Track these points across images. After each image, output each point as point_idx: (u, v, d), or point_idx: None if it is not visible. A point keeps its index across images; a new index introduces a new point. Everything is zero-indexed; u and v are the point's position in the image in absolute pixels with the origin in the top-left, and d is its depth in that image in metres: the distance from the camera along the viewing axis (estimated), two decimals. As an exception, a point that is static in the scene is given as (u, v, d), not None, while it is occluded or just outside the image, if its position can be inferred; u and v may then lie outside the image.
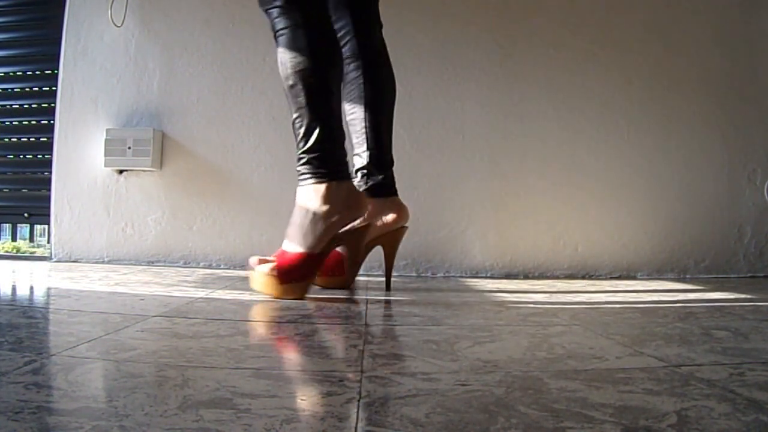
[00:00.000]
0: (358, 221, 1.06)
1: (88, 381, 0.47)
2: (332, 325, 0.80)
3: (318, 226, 1.00)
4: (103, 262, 1.67)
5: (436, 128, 1.65)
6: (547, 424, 0.38)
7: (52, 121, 1.76)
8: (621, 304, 1.07)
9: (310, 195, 1.02)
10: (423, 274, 1.61)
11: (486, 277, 1.58)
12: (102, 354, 0.56)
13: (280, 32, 1.04)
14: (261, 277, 1.01)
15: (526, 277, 1.61)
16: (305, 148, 1.03)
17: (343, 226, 1.02)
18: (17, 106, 1.88)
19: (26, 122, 1.88)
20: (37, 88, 1.87)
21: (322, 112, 1.03)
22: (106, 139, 1.65)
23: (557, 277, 1.61)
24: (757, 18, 1.72)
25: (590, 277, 1.62)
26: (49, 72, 1.83)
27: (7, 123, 1.88)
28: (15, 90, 1.88)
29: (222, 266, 1.64)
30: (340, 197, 1.01)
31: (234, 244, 1.65)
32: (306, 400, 0.43)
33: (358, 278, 1.25)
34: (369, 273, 1.60)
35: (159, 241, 1.67)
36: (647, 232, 1.66)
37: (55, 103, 1.73)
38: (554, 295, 1.18)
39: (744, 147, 1.70)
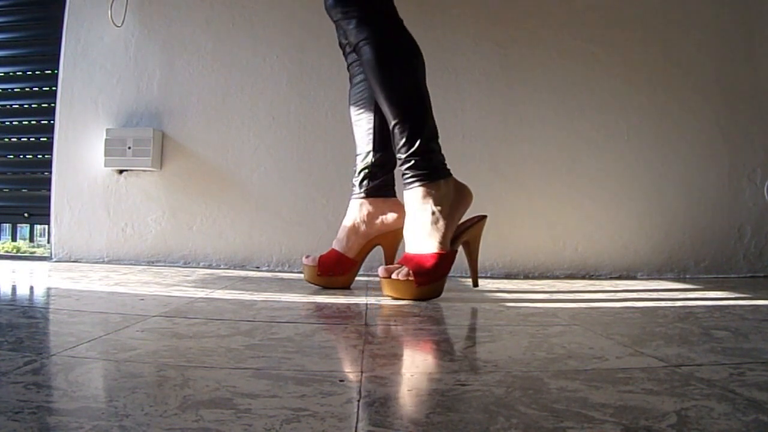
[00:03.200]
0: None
1: (88, 381, 0.47)
2: (332, 325, 0.80)
3: (440, 224, 1.04)
4: (103, 262, 1.67)
5: (436, 128, 1.65)
6: (547, 424, 0.38)
7: (52, 121, 1.76)
8: (621, 303, 1.07)
9: (427, 196, 1.05)
10: (423, 274, 1.61)
11: (486, 277, 1.58)
12: (102, 354, 0.56)
13: (364, 42, 1.07)
14: (399, 284, 1.02)
15: (526, 277, 1.61)
16: (411, 151, 1.05)
17: (459, 220, 1.09)
18: (17, 106, 1.88)
19: (26, 122, 1.88)
20: (37, 88, 1.87)
21: (426, 114, 1.09)
22: (106, 139, 1.65)
23: (557, 277, 1.61)
24: (758, 17, 1.72)
25: (590, 278, 1.62)
26: (49, 72, 1.83)
27: (7, 123, 1.88)
28: (15, 90, 1.88)
29: (222, 266, 1.64)
30: (450, 193, 1.07)
31: (234, 244, 1.65)
32: (306, 400, 0.43)
33: (358, 278, 1.25)
34: (369, 273, 1.60)
35: (159, 241, 1.67)
36: (647, 232, 1.66)
37: (55, 103, 1.73)
38: (554, 295, 1.18)
39: (744, 147, 1.70)
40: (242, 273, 1.53)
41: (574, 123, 1.66)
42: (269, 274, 1.53)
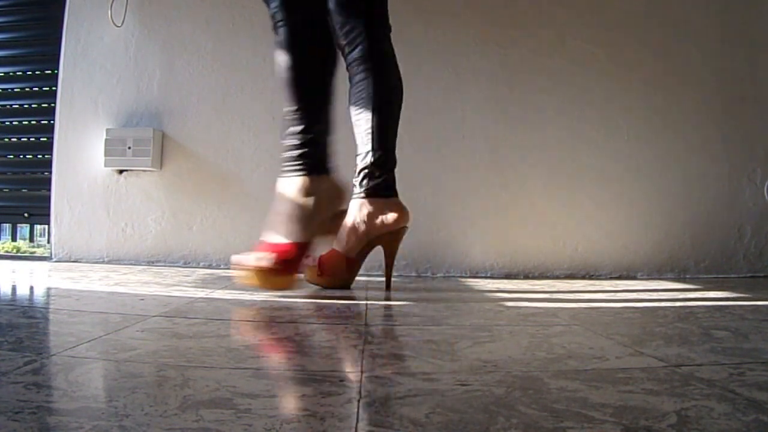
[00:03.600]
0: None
1: (88, 381, 0.47)
2: (332, 325, 0.80)
3: (304, 217, 1.06)
4: (103, 262, 1.67)
5: (436, 128, 1.65)
6: (547, 424, 0.38)
7: (52, 121, 1.76)
8: (621, 303, 1.07)
9: (294, 187, 1.07)
10: (423, 274, 1.61)
11: (486, 277, 1.58)
12: (102, 354, 0.56)
13: (279, 23, 1.06)
14: (253, 272, 1.03)
15: (526, 277, 1.61)
16: (292, 143, 1.09)
17: (324, 217, 1.09)
18: (17, 106, 1.88)
19: (26, 122, 1.88)
20: (37, 88, 1.87)
21: (311, 108, 1.10)
22: (106, 139, 1.65)
23: (557, 277, 1.61)
24: (758, 18, 1.72)
25: (590, 277, 1.62)
26: (49, 72, 1.83)
27: (7, 123, 1.88)
28: (15, 90, 1.88)
29: (222, 266, 1.64)
30: (321, 189, 1.08)
31: (234, 244, 1.65)
32: (306, 400, 0.43)
33: (358, 278, 1.25)
34: (369, 273, 1.60)
35: (159, 241, 1.67)
36: (647, 232, 1.66)
37: (55, 103, 1.73)
38: (554, 295, 1.18)
39: (744, 147, 1.70)
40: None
41: (574, 123, 1.66)
42: (269, 274, 1.52)
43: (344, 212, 1.14)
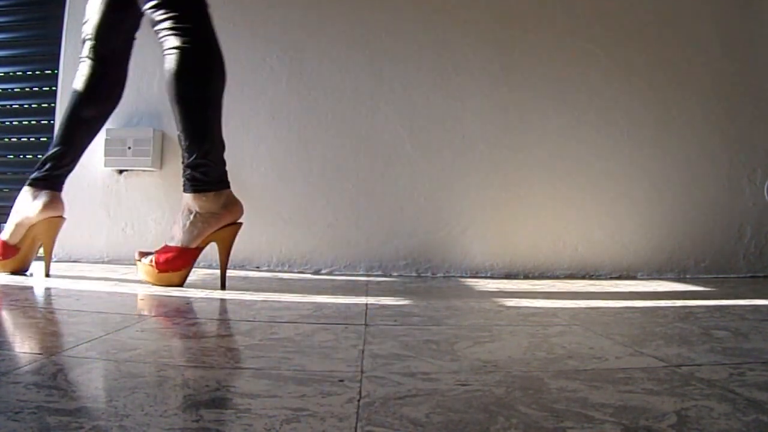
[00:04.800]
0: (226, 215, 1.20)
1: (88, 381, 0.47)
2: (332, 325, 0.80)
3: (192, 227, 1.16)
4: (103, 262, 1.67)
5: (436, 128, 1.65)
6: (547, 424, 0.38)
7: (52, 121, 1.76)
8: (621, 303, 1.07)
9: (193, 202, 1.16)
10: (423, 274, 1.61)
11: (486, 277, 1.58)
12: (102, 354, 0.56)
13: (171, 50, 1.12)
14: (143, 267, 1.17)
15: (526, 277, 1.61)
16: (188, 163, 1.15)
17: (217, 227, 1.18)
18: (17, 106, 1.88)
19: (26, 122, 1.88)
20: (37, 88, 1.87)
21: (203, 127, 1.16)
22: (106, 139, 1.65)
23: (557, 277, 1.61)
24: (758, 17, 1.72)
25: (590, 278, 1.62)
26: (49, 72, 1.83)
27: (7, 123, 1.88)
28: (15, 90, 1.88)
29: (222, 266, 1.64)
30: (219, 204, 1.16)
31: (234, 244, 1.65)
32: (306, 400, 0.43)
33: (357, 278, 1.25)
34: (369, 273, 1.60)
35: (159, 241, 1.66)
36: (647, 232, 1.66)
37: (55, 103, 1.73)
38: (554, 295, 1.18)
39: (744, 146, 1.70)
40: (242, 273, 1.53)
41: (575, 123, 1.66)
42: (269, 274, 1.53)
43: (237, 224, 1.21)
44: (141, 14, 1.21)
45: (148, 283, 1.17)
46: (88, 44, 1.27)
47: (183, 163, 1.17)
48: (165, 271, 1.15)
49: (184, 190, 1.17)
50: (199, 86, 1.16)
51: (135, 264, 1.25)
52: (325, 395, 0.44)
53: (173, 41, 1.12)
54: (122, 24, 1.29)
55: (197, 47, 1.14)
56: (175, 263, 1.15)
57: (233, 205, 1.19)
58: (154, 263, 1.15)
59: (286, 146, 1.67)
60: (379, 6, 1.67)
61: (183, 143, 1.16)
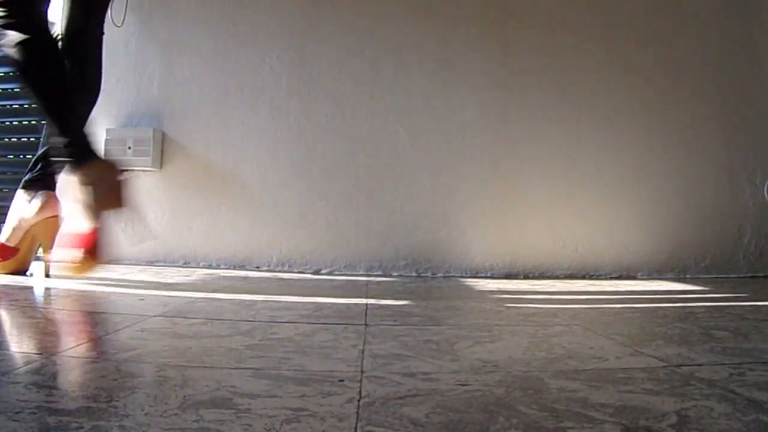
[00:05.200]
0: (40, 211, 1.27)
1: (88, 381, 0.47)
2: (332, 325, 0.80)
3: (16, 224, 1.26)
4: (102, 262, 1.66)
5: (436, 128, 1.65)
6: (547, 424, 0.38)
7: (52, 121, 1.76)
8: (621, 303, 1.07)
9: (20, 199, 1.26)
10: (423, 274, 1.61)
11: (486, 277, 1.58)
12: (102, 354, 0.56)
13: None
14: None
15: (526, 277, 1.61)
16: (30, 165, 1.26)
17: (32, 225, 1.26)
18: (17, 106, 1.88)
19: (26, 122, 1.88)
20: (37, 88, 1.86)
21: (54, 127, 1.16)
22: (105, 139, 1.65)
23: (557, 277, 1.61)
24: (758, 17, 1.72)
25: (590, 278, 1.62)
26: (49, 72, 1.82)
27: (7, 123, 1.88)
28: (15, 90, 1.88)
29: (222, 266, 1.64)
30: (36, 203, 1.25)
31: (234, 244, 1.65)
32: (306, 400, 0.43)
33: (357, 278, 1.25)
34: (369, 273, 1.60)
35: (159, 241, 1.67)
36: (647, 232, 1.66)
37: (55, 103, 1.73)
38: (554, 295, 1.18)
39: (744, 147, 1.70)
40: (242, 273, 1.53)
41: (574, 123, 1.66)
42: (269, 274, 1.53)
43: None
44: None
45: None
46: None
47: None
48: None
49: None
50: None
51: (134, 264, 1.25)
52: (325, 395, 0.44)
53: None
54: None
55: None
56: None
57: (52, 205, 1.27)
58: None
59: (286, 146, 1.67)
60: (378, 6, 1.67)
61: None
